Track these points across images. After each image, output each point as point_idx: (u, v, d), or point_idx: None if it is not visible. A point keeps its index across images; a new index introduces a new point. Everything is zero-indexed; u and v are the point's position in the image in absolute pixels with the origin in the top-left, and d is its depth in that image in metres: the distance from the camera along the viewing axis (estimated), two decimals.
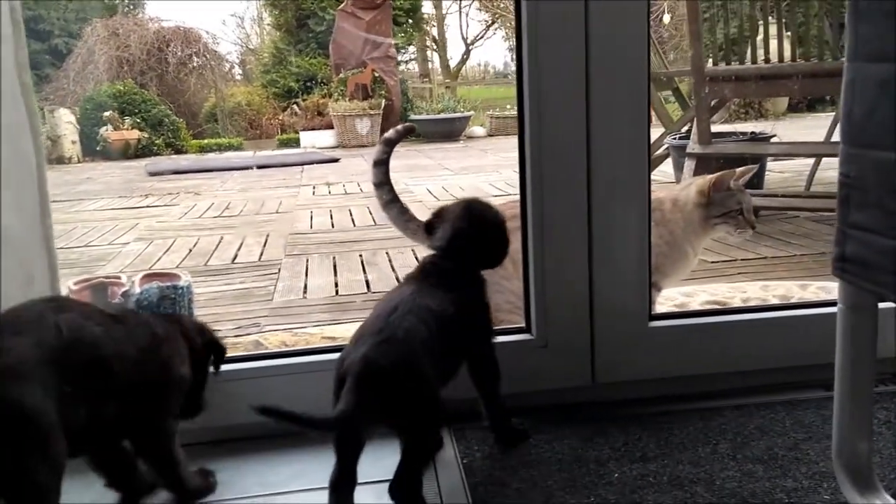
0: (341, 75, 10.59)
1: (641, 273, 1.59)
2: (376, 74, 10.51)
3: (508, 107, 10.67)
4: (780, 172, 4.75)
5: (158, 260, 3.78)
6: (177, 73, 10.96)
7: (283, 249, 3.93)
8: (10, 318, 1.08)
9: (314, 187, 6.43)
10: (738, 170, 1.94)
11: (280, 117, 11.06)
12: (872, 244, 0.99)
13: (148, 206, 5.82)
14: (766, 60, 3.53)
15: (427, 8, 13.04)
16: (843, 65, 1.01)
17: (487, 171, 6.83)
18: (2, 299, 1.30)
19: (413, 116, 10.53)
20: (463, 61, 13.81)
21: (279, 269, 3.45)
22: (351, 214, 4.90)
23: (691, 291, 2.47)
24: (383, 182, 1.87)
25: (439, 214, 1.44)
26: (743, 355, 1.65)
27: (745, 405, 1.57)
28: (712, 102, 3.74)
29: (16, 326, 1.05)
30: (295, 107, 10.87)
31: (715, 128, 3.85)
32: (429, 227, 1.44)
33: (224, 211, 5.43)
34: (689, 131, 4.04)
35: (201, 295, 2.72)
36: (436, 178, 6.26)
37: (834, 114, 3.81)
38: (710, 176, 1.93)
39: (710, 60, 3.70)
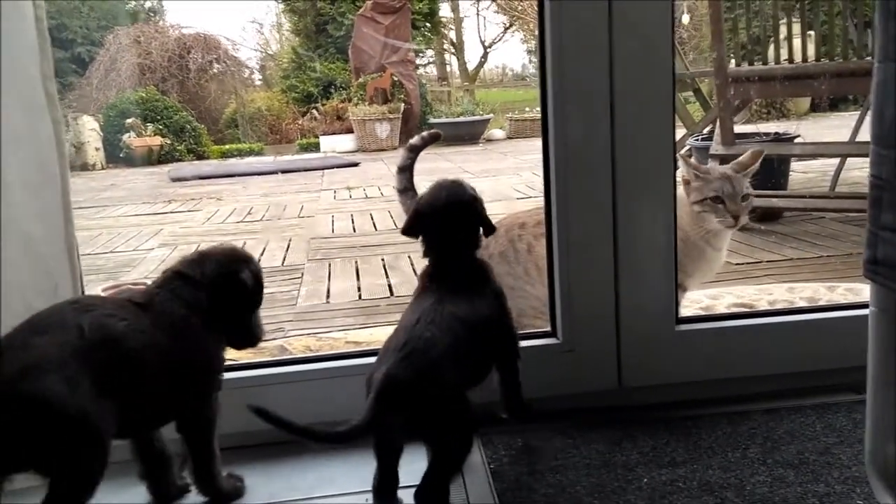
0: (361, 79, 10.62)
1: (668, 276, 1.58)
2: (395, 78, 10.53)
3: (528, 109, 10.65)
4: (803, 173, 4.70)
5: None
6: (197, 79, 11.04)
7: (305, 254, 3.95)
8: (35, 320, 1.11)
9: (335, 191, 6.46)
10: (741, 157, 1.83)
11: (300, 122, 11.11)
12: None
13: (171, 212, 5.87)
14: (790, 60, 3.50)
15: (445, 11, 13.07)
16: (874, 66, 1.00)
17: (508, 174, 6.82)
18: (28, 308, 1.32)
19: (432, 120, 10.54)
20: (481, 64, 13.80)
21: (302, 274, 3.47)
22: (372, 218, 4.91)
23: (717, 294, 2.45)
24: (407, 188, 1.87)
25: (415, 217, 1.40)
26: (771, 358, 1.63)
27: (775, 409, 1.55)
28: (735, 103, 3.71)
29: (39, 327, 1.09)
30: (314, 111, 10.91)
31: (737, 128, 3.82)
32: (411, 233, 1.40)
33: (246, 216, 5.46)
34: (711, 132, 4.01)
35: None
36: None
37: (859, 113, 3.75)
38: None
39: (733, 61, 3.67)
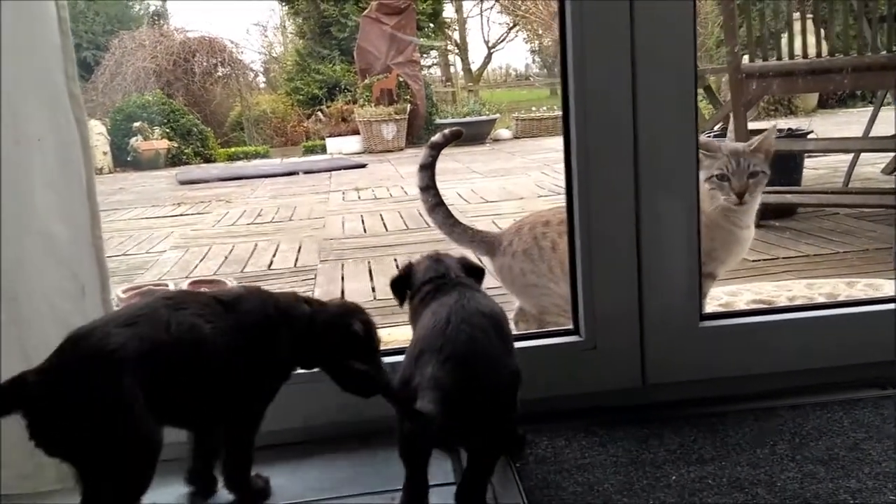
0: (366, 81, 10.64)
1: (691, 271, 1.57)
2: (401, 79, 10.54)
3: (534, 109, 10.65)
4: (814, 169, 4.69)
5: (196, 267, 3.81)
6: (202, 82, 11.08)
7: (317, 255, 3.94)
8: (128, 310, 1.16)
9: (343, 193, 6.46)
10: (757, 137, 1.80)
11: (305, 124, 11.12)
12: None
13: (181, 215, 5.87)
14: (805, 55, 3.48)
15: (449, 12, 13.07)
16: None
17: (516, 174, 6.82)
18: (52, 309, 1.31)
19: (438, 120, 10.54)
20: (485, 64, 13.82)
21: (315, 275, 3.46)
22: (382, 219, 4.90)
23: (735, 291, 2.44)
24: (429, 186, 1.87)
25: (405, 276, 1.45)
26: (795, 354, 1.62)
27: (800, 405, 1.54)
28: (745, 99, 3.69)
29: (129, 318, 1.12)
30: (319, 114, 10.92)
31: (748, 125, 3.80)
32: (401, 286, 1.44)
33: (256, 218, 5.46)
34: (721, 129, 3.99)
35: None
36: (465, 182, 6.26)
37: (872, 108, 3.74)
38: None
39: (745, 57, 3.65)
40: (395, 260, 3.62)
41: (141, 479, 1.09)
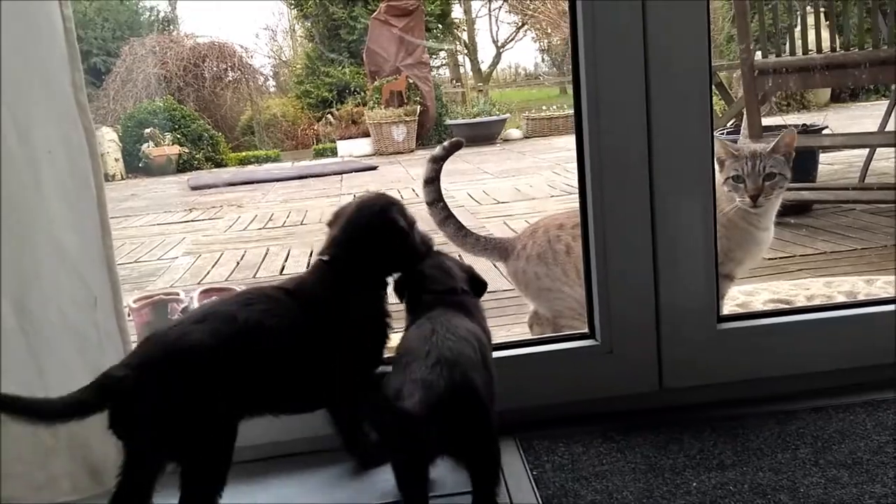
0: (376, 83, 10.63)
1: (708, 273, 1.54)
2: (410, 81, 10.52)
3: (544, 108, 10.61)
4: (829, 164, 4.63)
5: (207, 273, 3.81)
6: (213, 87, 11.09)
7: None
8: (202, 309, 1.26)
9: (355, 196, 6.43)
10: (776, 138, 1.81)
11: (315, 127, 11.13)
12: None
13: (193, 221, 5.88)
14: (819, 50, 3.44)
15: (457, 13, 13.05)
16: None
17: (528, 174, 6.78)
18: (64, 320, 1.31)
19: (448, 121, 10.53)
20: (494, 64, 13.78)
21: None
22: None
23: (752, 290, 2.41)
24: (436, 199, 1.86)
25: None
26: (815, 355, 1.60)
27: (822, 407, 1.51)
28: (759, 95, 3.66)
29: (201, 316, 1.21)
30: (329, 117, 10.93)
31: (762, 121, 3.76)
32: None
33: (268, 223, 5.46)
34: (735, 126, 3.96)
35: None
36: (476, 182, 6.23)
37: (888, 102, 3.68)
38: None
39: (758, 53, 3.62)
40: None
41: (219, 465, 1.15)
